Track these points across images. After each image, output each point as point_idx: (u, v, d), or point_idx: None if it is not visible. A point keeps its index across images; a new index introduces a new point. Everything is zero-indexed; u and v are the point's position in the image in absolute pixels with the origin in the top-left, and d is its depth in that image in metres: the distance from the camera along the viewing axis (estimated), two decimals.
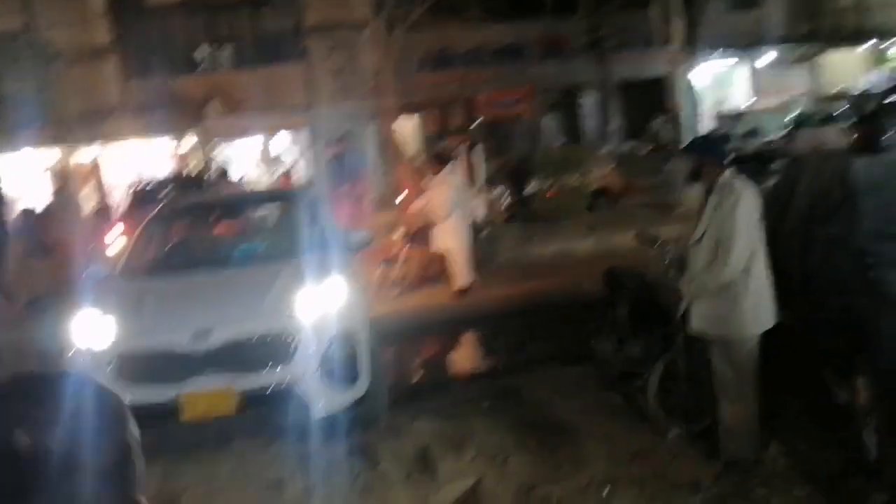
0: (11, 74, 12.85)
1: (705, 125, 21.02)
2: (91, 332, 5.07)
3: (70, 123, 20.97)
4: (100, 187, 22.08)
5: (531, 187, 13.25)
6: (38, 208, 10.61)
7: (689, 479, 4.25)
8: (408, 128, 25.75)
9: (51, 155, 21.04)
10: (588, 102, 25.42)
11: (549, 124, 24.91)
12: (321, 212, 6.52)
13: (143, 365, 4.82)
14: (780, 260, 4.69)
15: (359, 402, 5.14)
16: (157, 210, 6.83)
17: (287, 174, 15.67)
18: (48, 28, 20.07)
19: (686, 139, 15.74)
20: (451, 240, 9.48)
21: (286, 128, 23.77)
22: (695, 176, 4.50)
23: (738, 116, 22.57)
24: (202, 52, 22.79)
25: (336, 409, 4.96)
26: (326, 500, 4.49)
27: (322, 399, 4.87)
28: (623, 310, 5.47)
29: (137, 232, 6.73)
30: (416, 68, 22.54)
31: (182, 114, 21.26)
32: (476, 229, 10.34)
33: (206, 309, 5.05)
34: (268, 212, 6.85)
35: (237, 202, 7.00)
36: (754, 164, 18.68)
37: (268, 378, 4.77)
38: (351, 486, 4.61)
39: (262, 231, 6.44)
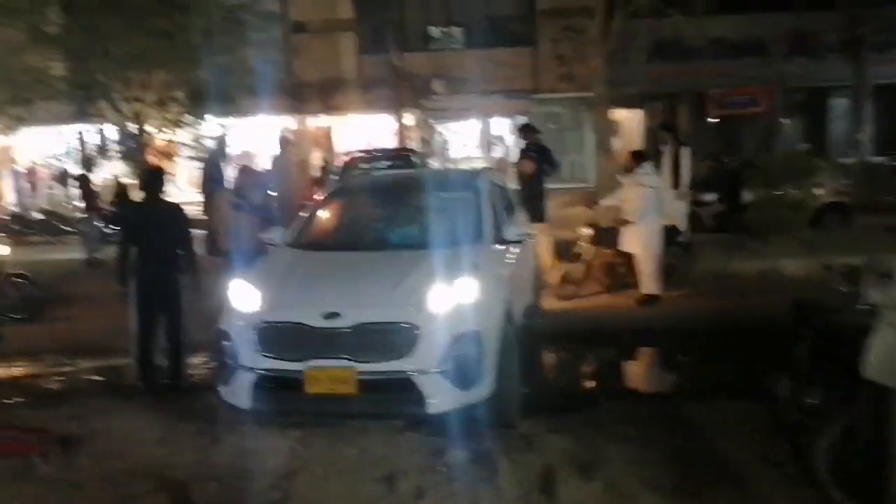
0: (257, 44, 13.78)
1: None
2: (242, 298, 5.25)
3: (304, 94, 22.41)
4: (328, 155, 23.40)
5: (747, 195, 12.07)
6: (254, 168, 11.32)
7: None
8: (632, 121, 24.83)
9: (282, 122, 22.60)
10: (838, 106, 22.97)
11: (790, 128, 22.83)
12: (488, 201, 6.28)
13: (277, 336, 4.96)
14: None
15: (483, 405, 4.97)
16: (336, 186, 6.94)
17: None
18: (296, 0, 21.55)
19: None
20: (640, 244, 8.85)
21: (506, 112, 23.76)
22: None
23: None
24: (434, 31, 23.37)
25: (454, 408, 4.84)
26: None
27: (441, 395, 4.78)
28: (804, 349, 4.71)
29: (316, 204, 6.89)
30: (645, 59, 21.53)
31: (406, 91, 21.89)
32: (673, 235, 9.60)
33: (342, 290, 5.13)
34: (440, 195, 6.70)
35: (410, 183, 6.94)
36: None
37: (388, 365, 4.77)
38: (462, 497, 4.33)
39: (424, 215, 6.31)
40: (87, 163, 12.74)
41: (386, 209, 6.61)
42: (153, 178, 6.30)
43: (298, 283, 5.29)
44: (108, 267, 12.06)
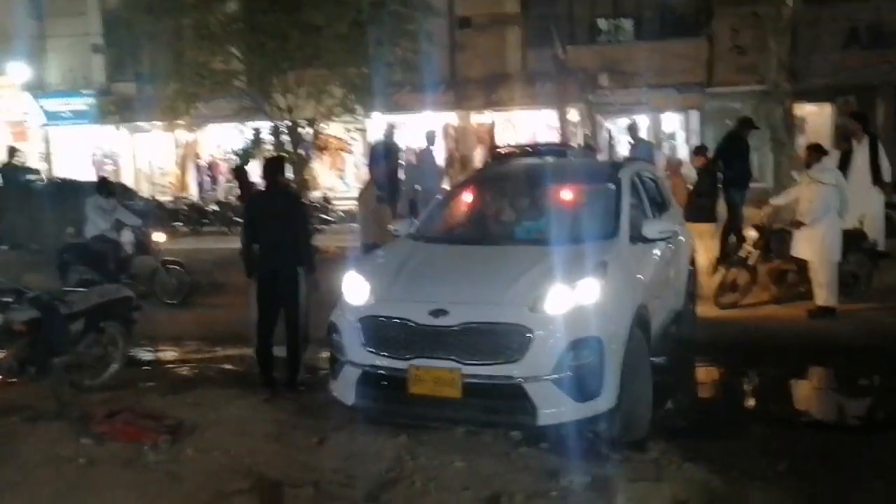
0: (419, 39, 13.70)
1: None
2: (352, 291, 5.04)
3: (468, 89, 22.29)
4: (490, 150, 23.14)
5: None
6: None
7: None
8: (819, 116, 22.87)
9: (446, 117, 22.60)
10: None
11: None
12: (628, 195, 5.64)
13: (382, 332, 4.70)
14: None
15: (606, 420, 4.50)
16: (466, 177, 6.59)
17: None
18: None
19: None
20: (815, 249, 7.82)
21: (677, 107, 22.51)
22: None
23: None
24: (602, 24, 22.54)
25: (568, 420, 4.41)
26: None
27: (554, 405, 4.35)
28: None
29: (444, 196, 6.58)
30: (839, 46, 19.62)
31: (572, 86, 21.22)
32: (857, 240, 8.44)
33: (453, 286, 4.78)
34: (577, 188, 6.14)
35: (545, 175, 6.40)
36: None
37: (496, 369, 4.39)
38: None
39: (555, 208, 5.76)
40: (245, 156, 13.18)
41: (515, 201, 6.15)
42: (272, 168, 6.21)
43: (408, 277, 4.99)
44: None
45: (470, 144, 23.65)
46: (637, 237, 5.40)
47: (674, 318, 6.64)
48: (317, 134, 13.62)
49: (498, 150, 14.99)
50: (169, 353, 7.89)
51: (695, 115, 22.87)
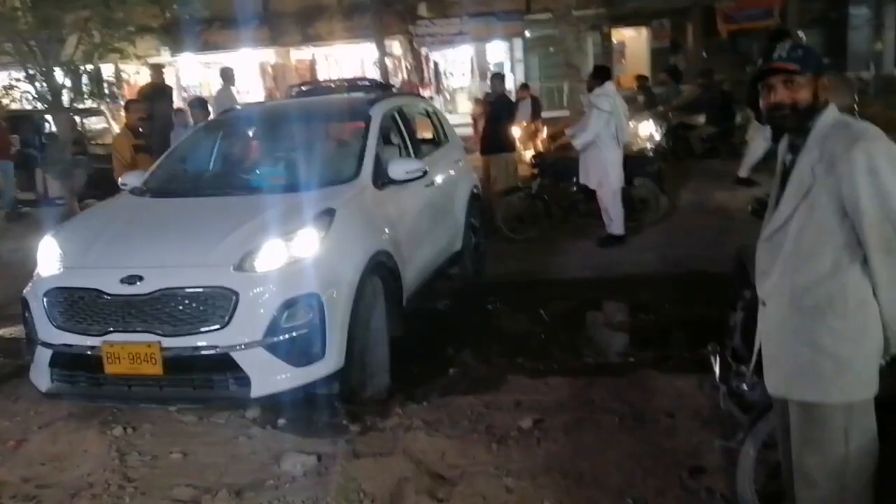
0: None
1: None
2: (46, 259, 4.37)
3: (284, 24, 21.12)
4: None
5: (740, 116, 10.66)
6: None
7: None
8: (637, 41, 23.29)
9: (263, 55, 21.40)
10: (859, 15, 21.09)
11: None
12: (376, 133, 5.11)
13: (71, 305, 4.08)
14: None
15: (335, 384, 4.11)
16: (209, 119, 5.84)
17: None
18: None
19: None
20: (598, 176, 7.63)
21: (499, 35, 22.26)
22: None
23: None
24: None
25: (287, 388, 3.95)
26: None
27: (268, 374, 3.88)
28: (739, 315, 3.55)
29: (179, 142, 5.83)
30: None
31: (391, 17, 20.48)
32: (643, 165, 8.35)
33: (154, 248, 4.19)
34: (324, 127, 5.56)
35: (293, 114, 5.74)
36: None
37: (201, 339, 3.87)
38: None
39: (293, 152, 5.18)
40: None
41: (254, 145, 5.51)
42: None
43: (108, 241, 4.32)
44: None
45: (291, 83, 22.56)
46: (387, 179, 4.92)
47: (452, 260, 6.27)
48: (119, 77, 12.25)
49: (294, 86, 14.12)
50: None
51: (518, 44, 22.72)
